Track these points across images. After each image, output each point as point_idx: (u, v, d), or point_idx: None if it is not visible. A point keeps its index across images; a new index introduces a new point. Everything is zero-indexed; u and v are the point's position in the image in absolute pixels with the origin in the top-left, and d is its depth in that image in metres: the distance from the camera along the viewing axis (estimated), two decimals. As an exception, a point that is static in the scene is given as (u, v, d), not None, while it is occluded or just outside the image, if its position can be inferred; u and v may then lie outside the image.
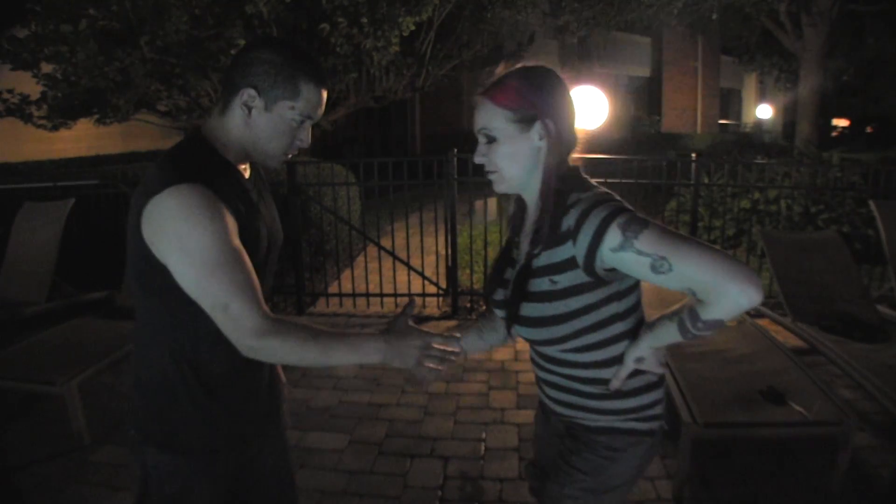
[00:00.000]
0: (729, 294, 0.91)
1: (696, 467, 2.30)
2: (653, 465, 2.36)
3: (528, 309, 1.09)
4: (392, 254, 4.45)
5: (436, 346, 1.08)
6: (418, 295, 4.45)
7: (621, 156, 5.10)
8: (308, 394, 3.07)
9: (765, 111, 17.98)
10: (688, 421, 2.11)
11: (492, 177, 1.10)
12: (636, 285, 1.10)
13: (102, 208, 4.64)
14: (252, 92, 1.08)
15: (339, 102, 6.84)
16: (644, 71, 17.52)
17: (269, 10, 5.02)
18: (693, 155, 4.61)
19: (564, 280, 1.04)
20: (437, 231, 4.88)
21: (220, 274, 1.01)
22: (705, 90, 17.47)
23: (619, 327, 1.08)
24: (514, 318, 1.12)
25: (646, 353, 1.07)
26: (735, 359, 2.63)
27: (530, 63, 1.10)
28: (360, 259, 5.64)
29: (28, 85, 5.45)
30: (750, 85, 21.21)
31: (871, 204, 3.71)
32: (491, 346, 1.34)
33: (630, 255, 0.95)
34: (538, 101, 1.04)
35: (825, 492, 2.18)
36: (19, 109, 5.52)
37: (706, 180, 5.76)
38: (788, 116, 16.50)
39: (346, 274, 4.98)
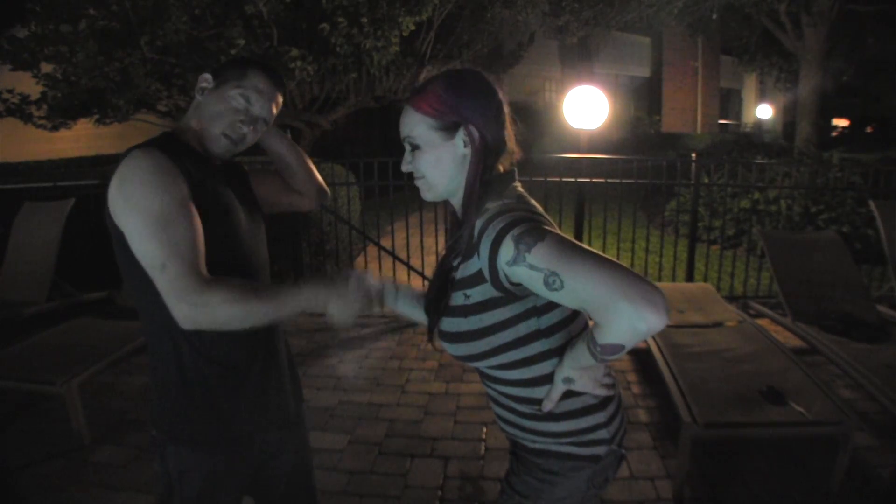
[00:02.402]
0: (621, 315, 0.81)
1: (696, 467, 2.31)
2: (653, 465, 2.37)
3: (446, 323, 1.05)
4: (392, 254, 4.45)
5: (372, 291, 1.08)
6: (418, 295, 4.45)
7: (621, 156, 5.10)
8: (308, 394, 3.05)
9: (765, 111, 17.97)
10: (688, 421, 2.11)
11: (419, 183, 1.05)
12: None
13: (102, 208, 4.64)
14: (207, 76, 1.19)
15: (339, 102, 6.85)
16: (644, 71, 17.53)
17: (269, 10, 5.03)
18: (693, 155, 4.61)
19: (476, 294, 0.99)
20: (437, 231, 4.88)
21: (160, 233, 1.00)
22: (705, 90, 17.47)
23: (543, 345, 1.01)
24: (433, 331, 1.09)
25: (572, 374, 0.99)
26: (735, 359, 2.63)
27: (456, 67, 1.07)
28: (360, 259, 5.64)
29: (28, 85, 5.45)
30: (750, 85, 21.20)
31: (871, 204, 3.72)
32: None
33: (523, 269, 0.88)
34: (461, 107, 0.99)
35: (825, 492, 2.18)
36: (19, 109, 5.53)
37: (706, 180, 5.77)
38: (788, 116, 16.50)
39: (346, 274, 4.98)
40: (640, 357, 3.29)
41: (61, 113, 5.57)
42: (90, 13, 4.86)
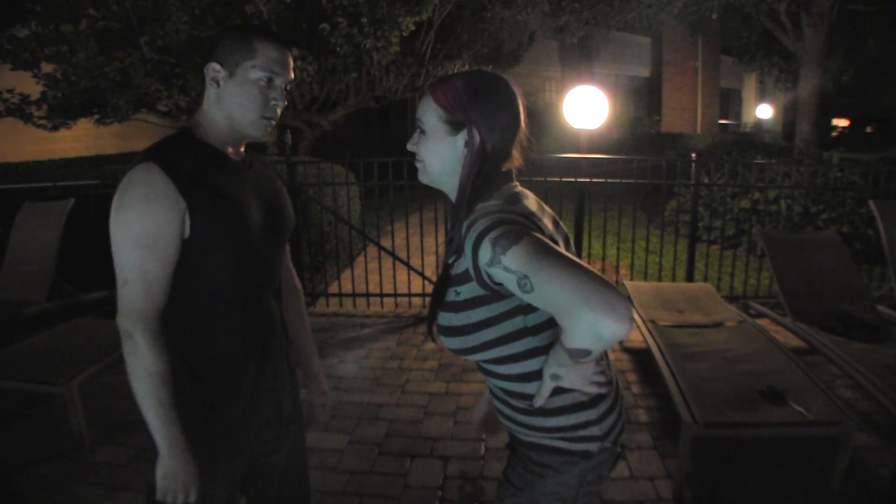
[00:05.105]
0: (583, 321, 0.83)
1: (696, 467, 2.31)
2: (653, 465, 2.37)
3: (441, 318, 1.08)
4: (392, 254, 4.45)
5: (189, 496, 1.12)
6: (418, 295, 4.45)
7: (621, 156, 5.10)
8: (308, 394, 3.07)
9: (765, 111, 17.97)
10: (688, 421, 2.11)
11: (418, 165, 1.10)
12: None
13: (102, 208, 4.64)
14: (215, 66, 1.14)
15: (339, 102, 6.85)
16: (644, 71, 17.53)
17: (269, 9, 5.03)
18: (693, 155, 4.61)
19: (465, 291, 1.02)
20: (437, 231, 4.89)
21: (133, 253, 1.05)
22: (705, 90, 17.47)
23: (531, 342, 1.03)
24: (431, 323, 1.12)
25: (559, 371, 1.00)
26: (735, 359, 2.63)
27: (488, 69, 1.08)
28: (360, 259, 5.64)
29: (28, 85, 5.46)
30: (750, 85, 21.20)
31: (871, 204, 3.71)
32: None
33: (499, 271, 0.91)
34: (472, 109, 1.01)
35: (825, 492, 2.18)
36: (19, 109, 5.54)
37: (706, 180, 5.77)
38: (788, 116, 16.50)
39: (346, 274, 4.99)
40: (640, 357, 3.30)
41: (61, 113, 5.58)
42: (90, 13, 4.87)
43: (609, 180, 4.29)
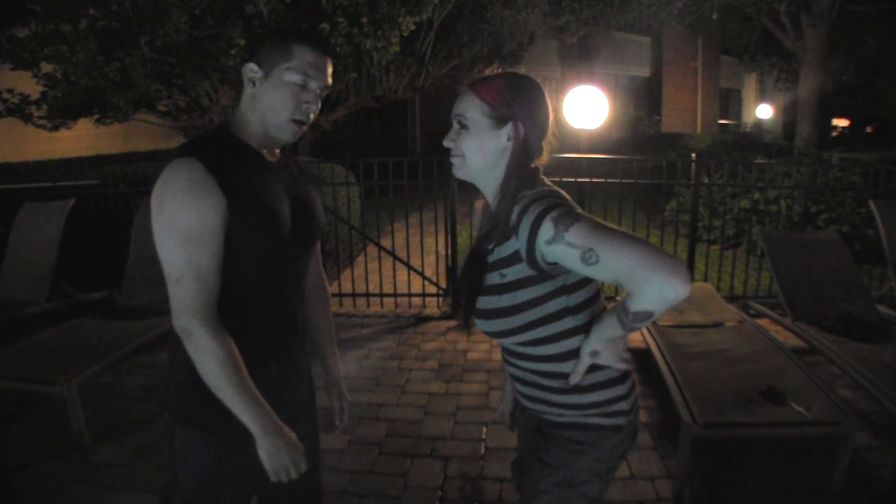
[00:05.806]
0: (652, 284, 0.92)
1: (696, 467, 2.31)
2: (653, 465, 2.37)
3: (482, 302, 1.14)
4: (392, 254, 4.45)
5: (296, 470, 1.15)
6: (418, 295, 4.45)
7: (621, 156, 5.10)
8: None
9: (765, 111, 17.98)
10: (688, 421, 2.11)
11: (454, 160, 1.14)
12: (587, 280, 1.11)
13: (102, 208, 4.64)
14: (252, 66, 1.14)
15: (339, 102, 6.85)
16: (644, 71, 17.52)
17: (269, 9, 5.02)
18: (693, 155, 4.61)
19: (512, 273, 1.08)
20: (437, 231, 4.88)
21: (182, 248, 1.03)
22: (705, 90, 17.48)
23: (571, 321, 1.10)
24: (470, 310, 1.17)
25: (598, 346, 1.08)
26: (735, 359, 2.63)
27: (521, 71, 1.15)
28: (360, 259, 5.64)
29: (28, 85, 5.45)
30: (750, 85, 21.21)
31: (871, 204, 3.71)
32: None
33: (561, 247, 0.98)
34: (516, 105, 1.09)
35: (825, 492, 2.18)
36: (19, 109, 5.52)
37: (706, 180, 5.77)
38: (788, 116, 16.49)
39: (346, 274, 4.98)
40: (640, 357, 3.29)
41: (61, 113, 5.57)
42: (90, 13, 4.86)
43: (609, 180, 4.29)
